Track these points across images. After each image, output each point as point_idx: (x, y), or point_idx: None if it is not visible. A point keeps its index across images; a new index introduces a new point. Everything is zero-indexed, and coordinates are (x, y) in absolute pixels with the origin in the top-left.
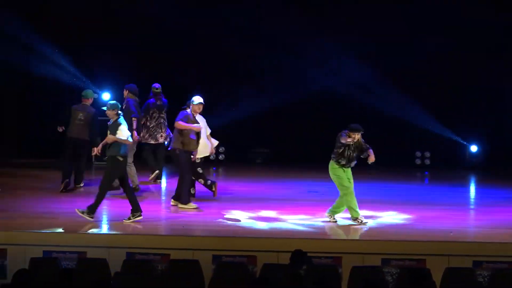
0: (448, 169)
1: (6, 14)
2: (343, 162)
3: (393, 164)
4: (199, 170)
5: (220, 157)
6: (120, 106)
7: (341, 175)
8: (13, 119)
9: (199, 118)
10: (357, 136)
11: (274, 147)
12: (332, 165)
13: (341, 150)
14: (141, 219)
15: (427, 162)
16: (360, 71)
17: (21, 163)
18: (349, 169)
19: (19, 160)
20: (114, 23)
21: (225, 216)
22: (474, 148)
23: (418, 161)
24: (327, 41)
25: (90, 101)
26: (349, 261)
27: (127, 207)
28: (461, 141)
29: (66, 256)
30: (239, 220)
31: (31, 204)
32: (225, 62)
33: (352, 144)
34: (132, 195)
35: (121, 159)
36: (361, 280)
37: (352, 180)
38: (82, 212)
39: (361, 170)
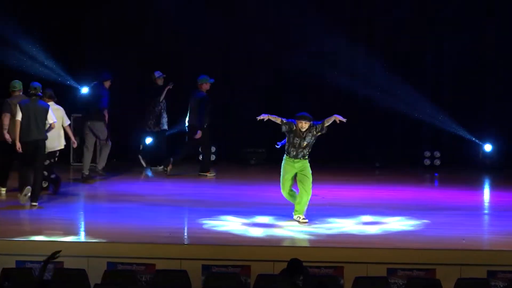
0: (460, 170)
1: None
2: (293, 153)
3: (399, 165)
4: (47, 162)
5: (210, 157)
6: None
7: (286, 168)
8: None
9: (54, 108)
10: (304, 124)
11: (269, 147)
12: (284, 157)
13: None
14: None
15: (437, 162)
16: (364, 62)
17: None
18: (302, 162)
19: None
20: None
21: (215, 222)
22: (488, 147)
23: (427, 162)
24: (327, 29)
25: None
26: (352, 271)
27: (107, 212)
28: (474, 140)
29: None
30: (231, 227)
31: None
32: (214, 56)
33: (302, 132)
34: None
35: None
36: None
37: (307, 173)
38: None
39: (364, 168)
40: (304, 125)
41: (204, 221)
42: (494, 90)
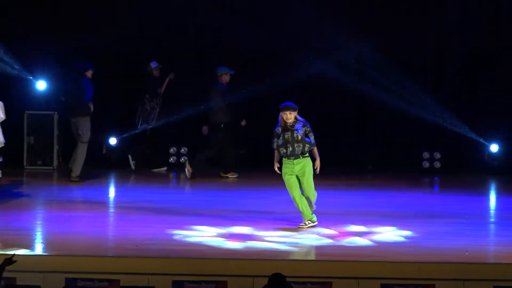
0: (462, 173)
1: None
2: (284, 151)
3: (395, 168)
4: None
5: (182, 159)
6: None
7: (285, 170)
8: None
9: None
10: (289, 115)
11: (249, 147)
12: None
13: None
14: None
15: (437, 165)
16: (357, 54)
17: None
18: (302, 161)
19: None
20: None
21: (187, 233)
22: (494, 148)
23: (426, 164)
24: (317, 19)
25: None
26: (341, 287)
27: (65, 221)
28: (479, 139)
29: None
30: (205, 238)
31: None
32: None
33: (290, 124)
34: None
35: None
36: None
37: (304, 173)
38: None
39: (354, 172)
40: (288, 115)
41: (175, 232)
42: (502, 85)
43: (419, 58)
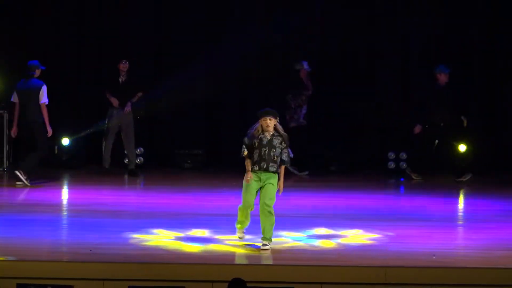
0: (429, 174)
1: None
2: (256, 168)
3: (358, 169)
4: None
5: (138, 160)
6: None
7: (248, 183)
8: None
9: None
10: (269, 121)
11: (208, 148)
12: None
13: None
14: None
15: (403, 165)
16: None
17: None
18: (266, 174)
19: None
20: None
21: (144, 236)
22: (462, 148)
23: (391, 165)
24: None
25: None
26: None
27: (16, 225)
28: (446, 139)
29: None
30: (162, 242)
31: None
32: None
33: (267, 139)
34: None
35: None
36: None
37: (266, 192)
38: None
39: (317, 173)
40: (268, 122)
41: (131, 235)
42: (469, 84)
43: (385, 55)
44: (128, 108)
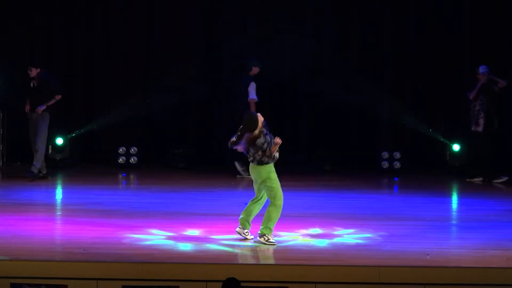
0: (423, 174)
1: None
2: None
3: (352, 168)
4: None
5: (132, 159)
6: None
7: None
8: None
9: None
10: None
11: (202, 147)
12: (270, 167)
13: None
14: None
15: (397, 165)
16: (308, 48)
17: None
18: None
19: None
20: None
21: (138, 236)
22: (456, 147)
23: (385, 164)
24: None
25: None
26: None
27: (10, 224)
28: (440, 138)
29: None
30: (156, 241)
31: None
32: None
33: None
34: None
35: None
36: None
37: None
38: None
39: (311, 172)
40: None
41: (125, 235)
42: (463, 83)
43: (378, 56)
44: (40, 108)
